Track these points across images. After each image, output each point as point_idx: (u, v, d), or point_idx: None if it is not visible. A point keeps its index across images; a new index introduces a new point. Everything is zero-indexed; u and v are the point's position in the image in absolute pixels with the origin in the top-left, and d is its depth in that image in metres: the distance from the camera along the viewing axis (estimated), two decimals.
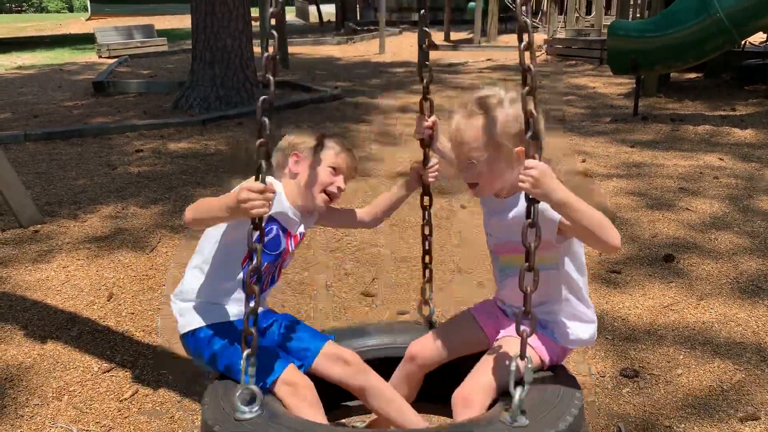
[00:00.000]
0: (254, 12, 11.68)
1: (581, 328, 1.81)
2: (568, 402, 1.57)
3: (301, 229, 1.98)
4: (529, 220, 1.49)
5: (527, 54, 1.52)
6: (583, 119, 7.94)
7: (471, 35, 18.56)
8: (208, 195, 5.20)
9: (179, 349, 2.97)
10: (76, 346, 3.05)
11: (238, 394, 1.54)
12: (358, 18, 26.83)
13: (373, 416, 2.09)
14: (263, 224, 1.62)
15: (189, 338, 1.86)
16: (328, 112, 8.61)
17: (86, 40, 19.58)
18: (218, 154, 6.48)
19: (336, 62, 14.74)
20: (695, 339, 3.04)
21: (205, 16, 8.38)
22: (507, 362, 1.61)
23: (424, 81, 2.04)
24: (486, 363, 1.69)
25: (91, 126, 7.76)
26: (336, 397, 1.97)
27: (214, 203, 1.73)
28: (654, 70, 8.42)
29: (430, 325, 2.10)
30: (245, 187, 1.57)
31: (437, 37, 17.83)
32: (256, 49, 8.73)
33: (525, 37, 1.51)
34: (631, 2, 13.09)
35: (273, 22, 1.60)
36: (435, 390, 1.94)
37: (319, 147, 1.95)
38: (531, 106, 1.47)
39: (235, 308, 1.86)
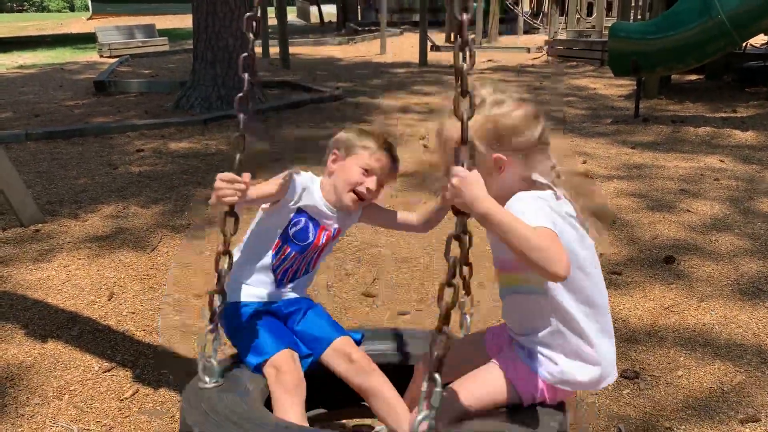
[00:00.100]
0: None
1: (579, 369, 1.61)
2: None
3: (337, 224, 2.02)
4: (454, 233, 1.37)
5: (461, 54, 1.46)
6: (583, 120, 7.94)
7: (472, 36, 18.52)
8: (209, 195, 5.20)
9: (180, 349, 2.98)
10: (77, 345, 3.05)
11: (199, 366, 1.70)
12: (359, 18, 26.84)
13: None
14: (293, 216, 1.89)
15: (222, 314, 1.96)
16: (329, 112, 8.61)
17: (87, 39, 19.60)
18: (219, 154, 6.48)
19: (337, 62, 14.74)
20: (696, 340, 3.04)
21: (206, 16, 8.39)
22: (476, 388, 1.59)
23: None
24: (461, 385, 1.64)
25: (92, 125, 7.76)
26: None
27: None
28: (655, 72, 8.42)
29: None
30: (218, 177, 1.76)
31: (438, 38, 17.84)
32: (258, 50, 8.74)
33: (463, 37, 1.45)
34: (633, 4, 13.10)
35: (254, 24, 1.76)
36: None
37: (354, 147, 1.98)
38: (463, 109, 1.39)
39: (260, 291, 1.96)
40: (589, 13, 16.31)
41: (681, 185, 5.28)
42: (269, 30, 15.61)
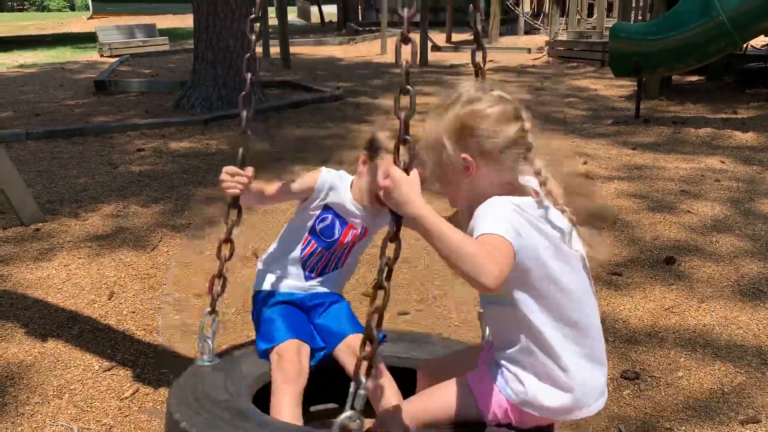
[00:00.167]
0: None
1: (547, 393, 1.49)
2: None
3: (365, 224, 2.06)
4: (389, 236, 1.38)
5: (405, 49, 1.51)
6: (584, 121, 7.94)
7: (472, 36, 18.54)
8: (209, 194, 5.21)
9: (180, 348, 2.98)
10: (77, 344, 3.05)
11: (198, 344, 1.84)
12: (360, 18, 26.84)
13: None
14: (320, 213, 1.99)
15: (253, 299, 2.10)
16: (329, 112, 8.61)
17: (88, 38, 19.59)
18: (220, 154, 6.48)
19: (337, 62, 14.74)
20: (696, 341, 3.04)
21: (207, 16, 8.39)
22: (446, 399, 1.58)
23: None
24: (427, 392, 1.65)
25: (93, 125, 7.76)
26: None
27: None
28: (656, 73, 8.42)
29: None
30: (224, 169, 1.83)
31: (439, 38, 17.84)
32: (258, 49, 8.73)
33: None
34: (633, 4, 13.11)
35: (256, 26, 1.88)
36: None
37: (381, 150, 1.99)
38: (403, 108, 1.39)
39: (288, 282, 2.04)
40: (590, 14, 16.31)
41: (682, 186, 5.28)
42: (270, 30, 15.61)
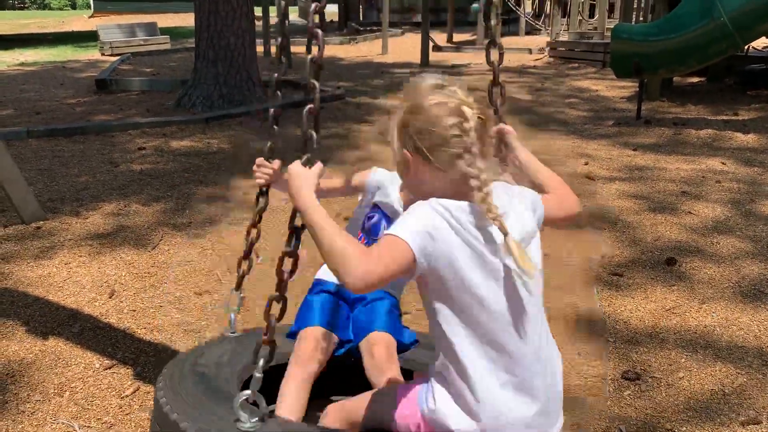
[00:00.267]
0: (257, 11, 11.69)
1: (454, 416, 1.40)
2: None
3: None
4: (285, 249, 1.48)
5: (314, 50, 1.54)
6: (585, 122, 7.94)
7: (474, 37, 18.56)
8: (210, 193, 5.22)
9: (181, 347, 2.98)
10: (78, 342, 3.05)
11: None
12: (361, 18, 26.83)
13: None
14: (369, 211, 2.07)
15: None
16: (330, 111, 8.61)
17: (89, 37, 19.58)
18: (221, 153, 6.48)
19: (338, 62, 14.74)
20: (697, 342, 3.04)
21: (208, 15, 8.39)
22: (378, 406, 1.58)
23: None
24: (368, 393, 1.66)
25: (94, 123, 7.76)
26: None
27: None
28: (657, 74, 8.42)
29: None
30: (256, 161, 1.94)
31: (440, 38, 17.83)
32: (259, 48, 8.74)
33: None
34: (635, 6, 13.10)
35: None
36: None
37: None
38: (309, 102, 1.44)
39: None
40: (591, 15, 16.29)
41: (682, 187, 5.28)
42: (271, 29, 15.60)
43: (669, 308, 3.36)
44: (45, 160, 6.20)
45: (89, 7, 37.51)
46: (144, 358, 2.93)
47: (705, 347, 3.00)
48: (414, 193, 1.48)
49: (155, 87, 10.51)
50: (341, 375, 2.04)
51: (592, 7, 16.27)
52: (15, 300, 3.46)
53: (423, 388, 1.48)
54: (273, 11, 16.81)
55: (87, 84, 11.11)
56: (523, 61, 14.24)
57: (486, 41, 1.80)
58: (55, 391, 2.69)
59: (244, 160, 6.09)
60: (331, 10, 26.82)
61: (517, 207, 1.45)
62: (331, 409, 1.70)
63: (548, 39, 15.58)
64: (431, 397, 1.44)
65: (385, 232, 1.37)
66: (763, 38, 9.68)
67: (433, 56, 14.80)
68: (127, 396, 2.65)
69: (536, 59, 14.50)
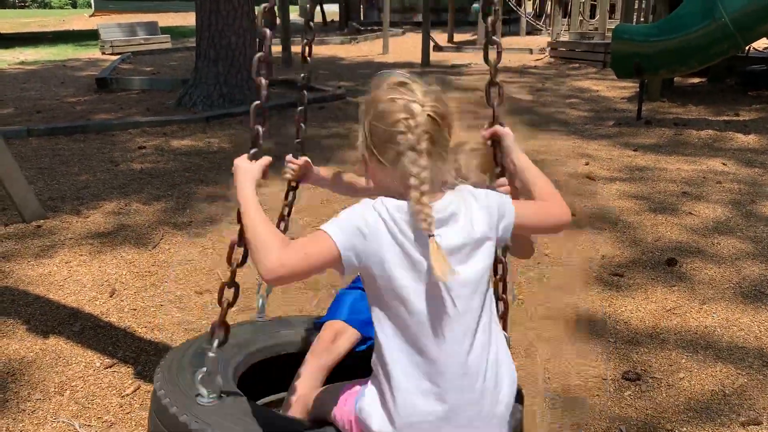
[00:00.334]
0: (258, 10, 11.68)
1: (376, 416, 1.39)
2: None
3: None
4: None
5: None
6: (586, 122, 7.93)
7: (474, 37, 18.54)
8: (211, 193, 5.21)
9: None
10: (79, 341, 3.05)
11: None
12: (362, 18, 26.83)
13: None
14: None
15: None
16: (331, 111, 8.61)
17: (89, 36, 19.57)
18: (221, 152, 6.48)
19: (339, 62, 14.73)
20: (698, 343, 3.04)
21: (209, 14, 8.39)
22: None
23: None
24: (330, 386, 1.72)
25: (94, 122, 7.76)
26: None
27: None
28: (658, 74, 8.41)
29: None
30: (285, 157, 1.98)
31: (441, 38, 17.83)
32: None
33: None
34: (636, 6, 13.09)
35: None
36: None
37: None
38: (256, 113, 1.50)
39: None
40: (592, 15, 16.29)
41: (683, 188, 5.27)
42: None
43: (669, 309, 3.36)
44: (45, 158, 6.20)
45: (90, 5, 37.51)
46: (144, 357, 2.93)
47: (705, 348, 3.00)
48: (374, 190, 1.46)
49: (156, 86, 10.50)
50: (363, 371, 2.06)
51: (593, 8, 16.26)
52: (16, 298, 3.46)
53: (361, 387, 1.49)
54: None
55: (87, 83, 11.11)
56: (523, 61, 14.24)
57: (494, 38, 1.76)
58: (56, 389, 2.69)
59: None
60: (332, 10, 26.81)
61: (473, 211, 1.41)
62: (296, 397, 1.77)
63: (549, 39, 15.57)
64: (363, 396, 1.44)
65: (321, 227, 1.37)
66: (764, 39, 9.68)
67: (434, 56, 14.79)
68: (127, 395, 2.65)
69: (537, 59, 14.50)
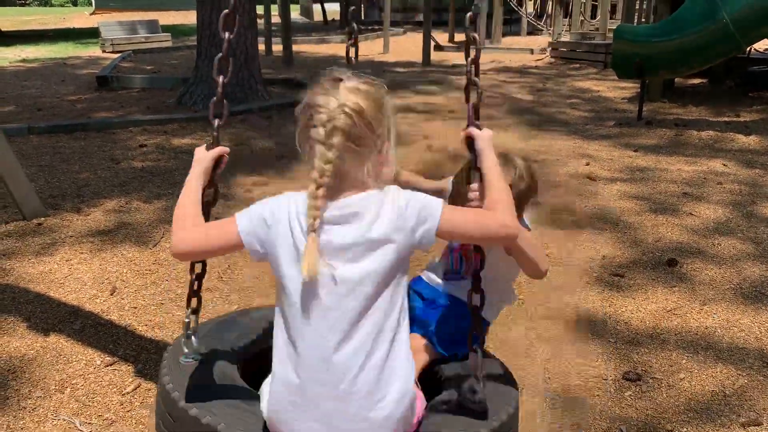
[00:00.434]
0: (259, 9, 11.68)
1: (263, 400, 1.52)
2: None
3: None
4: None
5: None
6: (586, 122, 7.93)
7: (474, 35, 18.52)
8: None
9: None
10: (79, 339, 3.05)
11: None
12: (363, 17, 26.82)
13: None
14: None
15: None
16: None
17: (90, 34, 19.56)
18: None
19: (340, 61, 14.70)
20: (698, 344, 3.04)
21: (210, 12, 8.38)
22: None
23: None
24: None
25: (95, 120, 7.75)
26: None
27: None
28: (659, 75, 8.41)
29: None
30: None
31: (442, 38, 17.82)
32: (261, 47, 8.73)
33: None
34: (637, 6, 13.09)
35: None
36: None
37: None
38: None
39: (431, 274, 2.16)
40: (593, 16, 16.29)
41: (684, 188, 5.28)
42: (273, 28, 15.60)
43: (670, 309, 3.36)
44: (46, 156, 6.20)
45: (90, 3, 37.49)
46: (145, 355, 2.93)
47: (706, 348, 3.00)
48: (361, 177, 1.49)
49: (156, 84, 10.50)
50: None
51: (594, 8, 16.26)
52: (16, 296, 3.46)
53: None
54: (274, 9, 16.78)
55: (88, 81, 11.10)
56: (524, 61, 14.25)
57: (473, 36, 1.70)
58: (56, 387, 2.69)
59: (245, 158, 6.11)
60: (333, 9, 26.81)
61: (383, 213, 1.40)
62: None
63: (550, 39, 15.57)
64: (269, 378, 1.52)
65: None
66: (766, 40, 9.69)
67: (435, 56, 14.79)
68: (128, 393, 2.65)
69: (538, 59, 14.50)
